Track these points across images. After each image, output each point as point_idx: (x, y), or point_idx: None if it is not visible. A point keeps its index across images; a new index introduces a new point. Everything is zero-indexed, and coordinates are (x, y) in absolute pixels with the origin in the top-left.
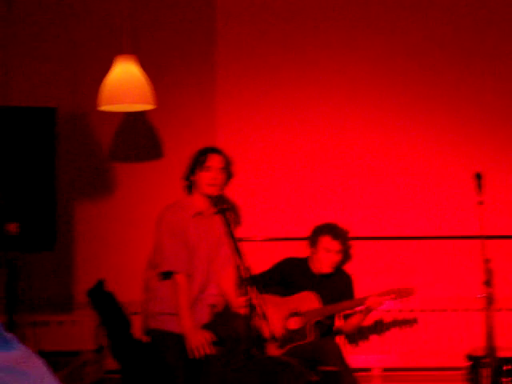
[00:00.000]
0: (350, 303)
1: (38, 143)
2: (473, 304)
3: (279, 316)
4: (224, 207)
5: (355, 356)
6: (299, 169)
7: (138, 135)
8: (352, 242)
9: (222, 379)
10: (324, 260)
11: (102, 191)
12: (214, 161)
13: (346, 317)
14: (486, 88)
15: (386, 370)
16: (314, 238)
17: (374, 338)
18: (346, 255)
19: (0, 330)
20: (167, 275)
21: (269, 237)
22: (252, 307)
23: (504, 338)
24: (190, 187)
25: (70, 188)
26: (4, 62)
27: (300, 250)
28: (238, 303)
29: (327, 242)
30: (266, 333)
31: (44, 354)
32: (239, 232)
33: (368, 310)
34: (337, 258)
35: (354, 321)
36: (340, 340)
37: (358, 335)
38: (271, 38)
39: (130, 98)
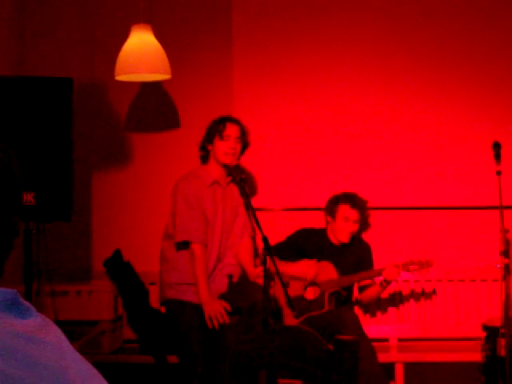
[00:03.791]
0: (367, 273)
1: (55, 113)
2: (490, 274)
3: (297, 285)
4: (242, 177)
5: (372, 326)
6: (317, 138)
7: (154, 105)
8: (370, 212)
9: (239, 349)
10: (342, 229)
11: (118, 161)
12: (232, 130)
13: (362, 288)
14: (505, 56)
15: (402, 340)
16: (331, 207)
17: (391, 308)
18: (364, 224)
19: (17, 299)
20: (183, 245)
21: (286, 207)
22: (269, 277)
23: None
24: (206, 157)
25: (87, 158)
26: (21, 33)
27: (317, 220)
28: (256, 273)
29: (346, 211)
30: (284, 302)
31: (62, 324)
32: (257, 202)
33: (387, 282)
34: (355, 227)
35: (370, 293)
36: (358, 310)
37: (375, 305)
38: (288, 7)
39: (147, 67)
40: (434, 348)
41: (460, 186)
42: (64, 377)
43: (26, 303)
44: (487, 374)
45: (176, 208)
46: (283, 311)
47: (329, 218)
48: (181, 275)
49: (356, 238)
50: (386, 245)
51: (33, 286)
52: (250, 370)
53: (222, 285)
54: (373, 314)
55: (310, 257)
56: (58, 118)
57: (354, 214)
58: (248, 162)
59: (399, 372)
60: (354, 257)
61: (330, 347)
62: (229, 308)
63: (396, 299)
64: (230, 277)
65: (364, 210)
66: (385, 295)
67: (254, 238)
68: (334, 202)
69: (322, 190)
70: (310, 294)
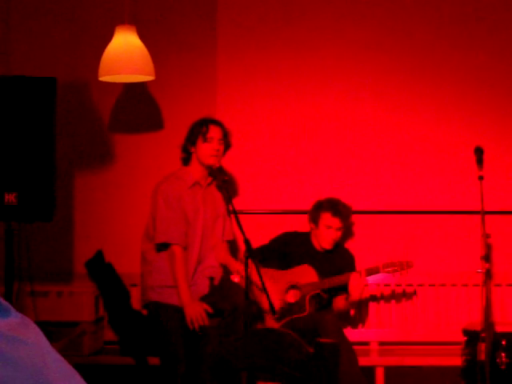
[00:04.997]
0: (346, 276)
1: (38, 113)
2: (471, 279)
3: (278, 289)
4: (224, 179)
5: (353, 329)
6: (300, 141)
7: (137, 106)
8: (353, 215)
9: (220, 351)
10: (324, 236)
11: (101, 162)
12: (215, 132)
13: (335, 295)
14: (487, 61)
15: (383, 343)
16: (314, 214)
17: (372, 311)
18: (347, 231)
19: None
20: (163, 247)
21: (269, 209)
22: (251, 280)
23: (501, 313)
24: (187, 158)
25: (70, 158)
26: (4, 32)
27: (301, 224)
28: (237, 268)
29: (327, 219)
30: (265, 305)
31: (42, 325)
32: (240, 204)
33: (354, 304)
34: (337, 234)
35: (339, 305)
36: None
37: (356, 309)
38: (273, 9)
39: (131, 68)
40: (414, 352)
41: (442, 191)
42: (43, 377)
43: (5, 303)
44: (467, 379)
45: (156, 209)
46: (265, 314)
47: (312, 225)
48: (162, 278)
49: (341, 247)
50: (368, 248)
51: (13, 286)
52: (231, 372)
53: (203, 287)
54: (354, 318)
55: (293, 260)
56: (41, 118)
57: (335, 222)
58: (231, 164)
59: (380, 376)
60: (336, 265)
61: (311, 350)
62: (210, 310)
63: (377, 303)
64: (212, 279)
65: (347, 217)
66: (366, 298)
67: (231, 242)
68: (317, 209)
69: (305, 193)
70: (291, 297)
